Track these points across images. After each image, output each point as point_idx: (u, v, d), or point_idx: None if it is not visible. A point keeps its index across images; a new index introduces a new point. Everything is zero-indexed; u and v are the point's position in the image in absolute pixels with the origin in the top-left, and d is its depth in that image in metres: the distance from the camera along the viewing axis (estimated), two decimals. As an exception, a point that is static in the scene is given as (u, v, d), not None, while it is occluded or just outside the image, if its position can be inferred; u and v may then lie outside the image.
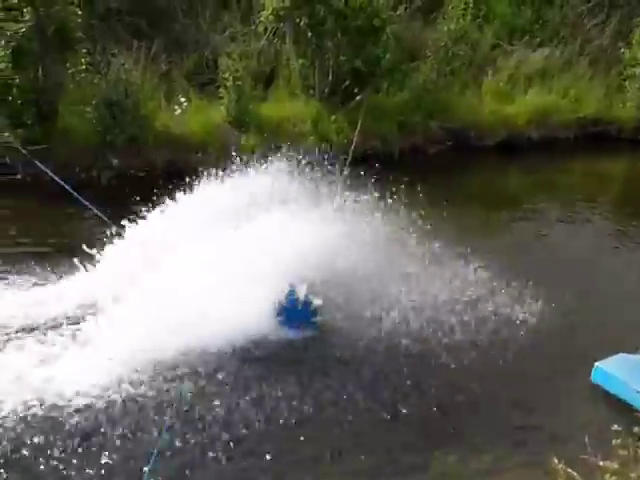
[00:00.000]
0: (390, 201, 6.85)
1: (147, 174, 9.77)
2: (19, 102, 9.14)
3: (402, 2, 13.09)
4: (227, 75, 10.71)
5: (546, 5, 14.49)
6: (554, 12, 14.38)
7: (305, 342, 5.86)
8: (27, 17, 9.15)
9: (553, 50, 13.63)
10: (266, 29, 12.10)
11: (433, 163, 11.31)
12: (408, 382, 5.50)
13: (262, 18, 11.51)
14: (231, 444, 4.69)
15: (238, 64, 10.96)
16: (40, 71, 9.34)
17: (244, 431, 4.82)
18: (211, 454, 4.61)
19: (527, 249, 8.37)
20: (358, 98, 11.33)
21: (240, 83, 10.76)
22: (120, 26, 11.53)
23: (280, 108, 11.17)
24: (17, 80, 9.13)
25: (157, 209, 6.76)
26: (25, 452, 4.49)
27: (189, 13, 12.58)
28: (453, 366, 5.74)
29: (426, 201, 7.47)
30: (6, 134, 8.99)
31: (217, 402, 5.05)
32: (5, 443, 4.51)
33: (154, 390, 5.10)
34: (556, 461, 4.19)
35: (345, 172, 7.51)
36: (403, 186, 7.27)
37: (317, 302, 6.04)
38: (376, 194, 6.93)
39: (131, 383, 5.11)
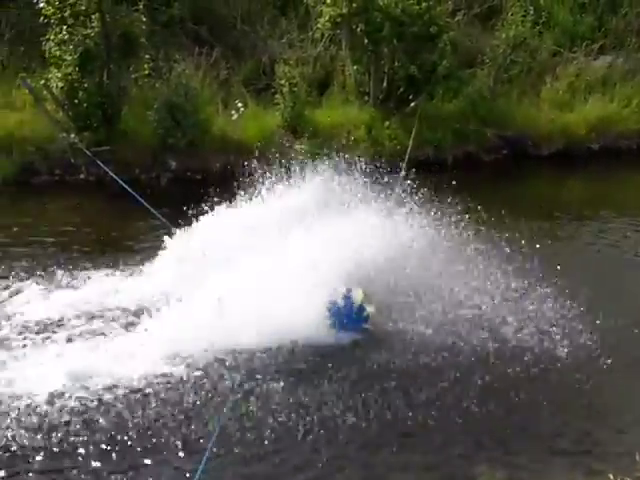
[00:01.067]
0: (443, 209, 6.77)
1: (203, 177, 9.99)
2: (85, 105, 9.47)
3: (460, 9, 12.95)
4: (283, 81, 10.84)
5: (609, 12, 14.06)
6: (617, 19, 13.94)
7: (355, 347, 5.84)
8: (95, 23, 9.49)
9: (615, 58, 13.21)
10: (323, 36, 12.20)
11: (488, 172, 11.13)
12: (458, 394, 5.39)
13: (319, 25, 11.61)
14: (267, 443, 4.73)
15: (294, 70, 11.08)
16: (105, 76, 9.66)
17: (282, 429, 4.84)
18: (253, 454, 4.64)
19: (586, 262, 8.09)
20: (412, 104, 11.27)
21: (296, 89, 10.87)
22: (182, 33, 11.83)
23: (334, 114, 11.21)
24: (84, 84, 9.46)
25: (212, 211, 6.86)
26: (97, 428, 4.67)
27: (248, 20, 12.81)
28: (508, 378, 5.59)
29: (481, 211, 7.32)
30: (72, 136, 9.35)
31: (264, 401, 5.07)
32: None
33: (209, 382, 5.19)
34: (611, 477, 4.05)
35: (399, 178, 7.45)
36: (456, 194, 7.15)
37: (370, 309, 6.02)
38: (429, 202, 6.86)
39: (188, 375, 5.21)
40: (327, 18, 11.11)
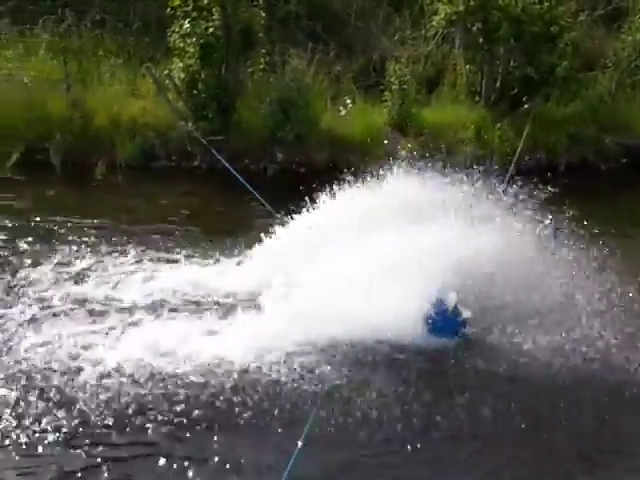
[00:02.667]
0: (554, 216, 6.46)
1: (308, 170, 10.13)
2: (203, 96, 9.86)
3: (583, 9, 12.28)
4: (393, 79, 10.77)
5: None
6: None
7: (448, 354, 5.68)
8: (216, 17, 9.85)
9: None
10: (436, 34, 12.00)
11: (605, 180, 10.49)
12: (552, 408, 5.13)
13: (434, 23, 11.42)
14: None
15: (405, 68, 10.97)
16: (223, 68, 10.00)
17: (370, 432, 4.81)
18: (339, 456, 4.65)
19: None
20: (526, 106, 10.84)
21: (405, 87, 10.77)
22: (297, 29, 12.04)
23: (443, 113, 11.01)
24: (203, 76, 9.86)
25: (315, 204, 6.94)
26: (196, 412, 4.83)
27: (362, 17, 12.83)
28: (614, 400, 5.27)
29: (594, 221, 6.93)
30: (190, 124, 9.78)
31: (354, 401, 5.06)
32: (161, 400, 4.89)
33: (304, 370, 5.26)
34: None
35: (507, 182, 7.19)
36: (568, 202, 6.81)
37: (466, 313, 5.86)
38: (539, 207, 6.57)
39: (280, 362, 5.31)
40: (442, 16, 10.91)
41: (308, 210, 6.88)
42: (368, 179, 7.11)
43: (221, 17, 9.86)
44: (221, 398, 4.92)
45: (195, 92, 9.88)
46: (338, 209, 6.83)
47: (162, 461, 4.38)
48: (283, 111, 9.93)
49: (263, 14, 10.31)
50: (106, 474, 4.28)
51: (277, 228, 6.93)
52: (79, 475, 4.26)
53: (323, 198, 6.92)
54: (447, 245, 5.76)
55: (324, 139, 10.43)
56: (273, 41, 11.03)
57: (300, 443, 4.27)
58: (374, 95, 11.27)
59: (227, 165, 8.49)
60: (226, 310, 5.97)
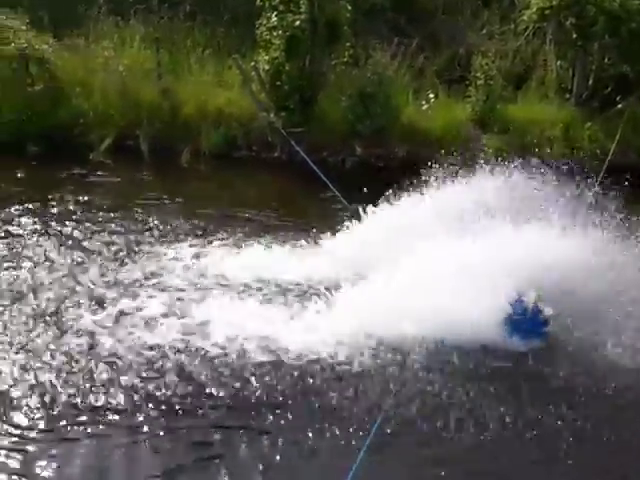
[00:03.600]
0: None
1: (386, 164, 10.03)
2: (286, 88, 9.95)
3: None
4: (479, 73, 10.45)
5: None
6: None
7: (529, 355, 5.45)
8: (303, 9, 9.88)
9: None
10: (526, 28, 11.53)
11: None
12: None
13: (524, 17, 10.98)
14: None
15: (492, 63, 10.62)
16: (307, 61, 10.03)
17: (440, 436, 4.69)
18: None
19: None
20: (620, 106, 10.24)
21: (491, 82, 10.43)
22: (382, 22, 11.90)
23: (529, 110, 10.59)
24: (287, 68, 9.93)
25: (394, 198, 6.84)
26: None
27: (449, 11, 12.52)
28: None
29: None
30: (271, 116, 9.89)
31: (424, 402, 4.94)
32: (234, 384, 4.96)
33: (375, 365, 5.20)
34: None
35: (597, 184, 6.82)
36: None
37: (548, 311, 5.58)
38: (628, 212, 6.20)
39: (353, 356, 5.26)
40: (535, 10, 10.46)
41: (387, 204, 6.81)
42: (447, 175, 6.95)
43: (308, 10, 9.90)
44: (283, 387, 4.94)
45: (278, 84, 9.97)
46: (419, 204, 6.71)
47: (243, 444, 4.41)
48: (364, 104, 9.86)
49: (349, 7, 10.24)
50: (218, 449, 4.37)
51: (354, 221, 6.89)
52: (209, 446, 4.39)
53: (403, 192, 6.82)
54: (536, 245, 5.54)
55: (404, 133, 10.28)
56: (357, 34, 10.94)
57: (366, 443, 4.19)
58: (457, 90, 10.99)
59: (305, 157, 8.53)
60: (299, 300, 5.98)
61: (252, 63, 10.19)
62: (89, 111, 9.88)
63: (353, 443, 4.39)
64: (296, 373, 5.04)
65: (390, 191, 6.96)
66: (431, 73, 11.33)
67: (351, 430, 4.56)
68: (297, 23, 9.88)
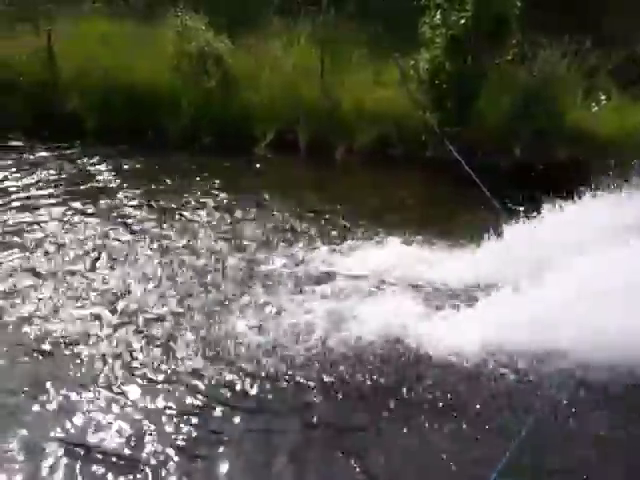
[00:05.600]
0: None
1: (546, 167, 9.34)
2: (444, 87, 9.63)
3: None
4: (661, 74, 9.32)
5: None
6: None
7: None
8: (468, 7, 9.47)
9: None
10: None
11: None
12: None
13: None
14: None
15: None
16: (469, 59, 9.62)
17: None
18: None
19: None
20: None
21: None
22: (553, 18, 11.06)
23: None
24: (447, 66, 9.60)
25: (552, 205, 6.32)
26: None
27: (627, 8, 11.30)
28: None
29: None
30: (428, 114, 9.64)
31: (571, 424, 4.49)
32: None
33: (519, 379, 4.86)
34: None
35: None
36: None
37: None
38: None
39: (497, 366, 4.96)
40: None
41: (544, 209, 6.31)
42: (613, 183, 6.27)
43: (474, 7, 9.47)
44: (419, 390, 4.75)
45: (436, 82, 9.68)
46: (580, 212, 6.14)
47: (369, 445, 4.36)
48: (526, 104, 9.25)
49: (518, 3, 9.62)
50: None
51: (506, 225, 6.47)
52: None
53: (562, 198, 6.28)
54: None
55: (568, 136, 9.50)
56: (524, 31, 10.26)
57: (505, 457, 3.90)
58: (634, 91, 9.91)
59: (458, 157, 8.18)
60: (444, 302, 5.76)
61: (412, 62, 10.00)
62: (256, 107, 10.34)
63: (487, 453, 4.11)
64: (436, 374, 4.87)
65: (548, 196, 6.44)
66: (605, 73, 10.32)
67: (486, 442, 4.28)
68: (461, 21, 9.52)
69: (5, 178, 8.40)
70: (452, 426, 4.45)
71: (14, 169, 8.69)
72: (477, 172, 7.79)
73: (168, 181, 8.65)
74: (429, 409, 4.57)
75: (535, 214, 6.38)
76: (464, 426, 4.46)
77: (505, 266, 5.81)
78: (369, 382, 4.82)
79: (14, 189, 8.02)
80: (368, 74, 10.59)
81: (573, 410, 4.61)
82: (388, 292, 5.88)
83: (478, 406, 4.63)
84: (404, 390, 4.75)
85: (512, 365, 4.94)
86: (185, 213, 7.63)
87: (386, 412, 4.56)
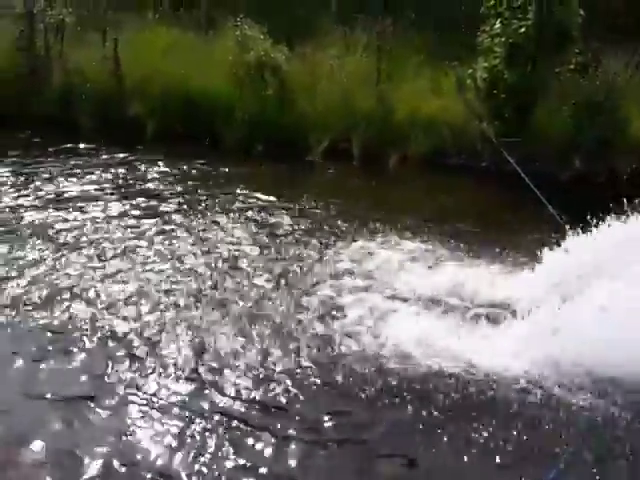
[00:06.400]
0: None
1: (608, 180, 8.98)
2: (502, 96, 9.41)
3: None
4: None
5: None
6: None
7: None
8: (530, 15, 9.23)
9: None
10: None
11: None
12: None
13: None
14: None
15: None
16: (529, 69, 9.36)
17: None
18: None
19: None
20: None
21: None
22: (615, 26, 10.65)
23: None
24: (506, 76, 9.38)
25: (617, 219, 6.00)
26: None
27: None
28: None
29: None
30: (484, 124, 9.42)
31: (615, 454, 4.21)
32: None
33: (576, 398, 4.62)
34: None
35: None
36: None
37: None
38: None
39: (544, 385, 4.72)
40: None
41: (605, 223, 6.00)
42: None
43: (535, 15, 9.23)
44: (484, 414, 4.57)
45: (495, 92, 9.47)
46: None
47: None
48: (588, 114, 8.92)
49: (581, 11, 9.31)
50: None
51: (567, 240, 6.19)
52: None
53: (625, 212, 5.94)
54: None
55: (632, 147, 9.10)
56: (586, 39, 9.92)
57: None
58: None
59: (516, 167, 7.92)
60: (496, 318, 5.54)
61: (469, 70, 9.81)
62: (310, 115, 10.37)
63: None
64: (489, 393, 4.65)
65: (610, 209, 6.13)
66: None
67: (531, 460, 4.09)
68: (522, 30, 9.29)
69: (70, 177, 8.74)
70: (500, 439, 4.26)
71: (79, 170, 9.04)
72: (535, 183, 7.53)
73: (222, 185, 8.76)
74: (496, 428, 4.37)
75: (597, 228, 6.07)
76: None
77: (565, 281, 5.55)
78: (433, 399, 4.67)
79: (78, 188, 8.32)
80: (424, 83, 10.47)
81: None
82: (443, 309, 5.72)
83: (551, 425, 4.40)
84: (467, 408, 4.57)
85: (580, 385, 4.70)
86: (238, 217, 7.68)
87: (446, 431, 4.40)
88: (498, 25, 9.48)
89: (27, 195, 8.08)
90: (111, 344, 5.04)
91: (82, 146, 10.15)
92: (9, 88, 10.88)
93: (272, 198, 8.34)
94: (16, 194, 8.10)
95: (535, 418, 4.45)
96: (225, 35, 11.12)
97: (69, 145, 10.14)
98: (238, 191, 8.59)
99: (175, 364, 4.83)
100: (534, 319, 5.21)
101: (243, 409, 4.45)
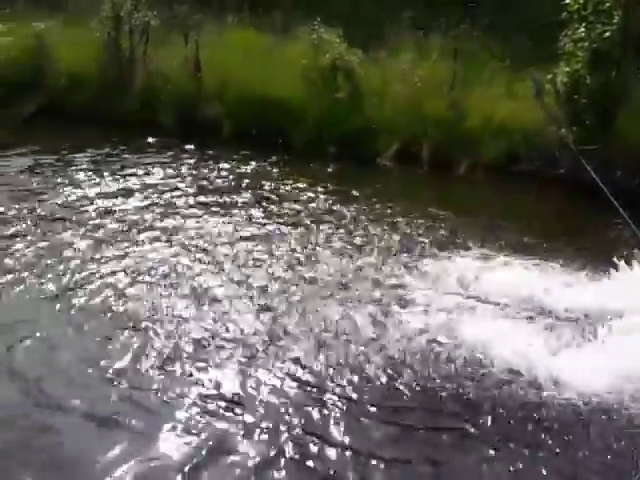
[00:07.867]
0: None
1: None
2: (583, 102, 8.94)
3: None
4: None
5: None
6: None
7: None
8: (615, 20, 8.73)
9: None
10: None
11: None
12: None
13: None
14: None
15: None
16: (613, 74, 8.86)
17: None
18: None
19: None
20: None
21: None
22: None
23: None
24: (588, 81, 8.91)
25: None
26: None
27: None
28: None
29: None
30: (562, 130, 8.98)
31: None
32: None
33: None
34: None
35: None
36: None
37: None
38: None
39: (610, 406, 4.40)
40: None
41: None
42: None
43: (621, 20, 8.71)
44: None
45: (575, 97, 9.00)
46: None
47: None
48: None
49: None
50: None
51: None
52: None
53: None
54: None
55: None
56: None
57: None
58: None
59: (595, 176, 7.48)
60: (563, 331, 5.23)
61: (549, 76, 9.37)
62: (382, 119, 10.24)
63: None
64: (562, 410, 4.38)
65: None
66: None
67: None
68: (606, 34, 8.80)
69: (148, 175, 9.00)
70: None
71: (157, 168, 9.29)
72: (615, 193, 7.09)
73: (291, 186, 8.77)
74: (549, 447, 4.12)
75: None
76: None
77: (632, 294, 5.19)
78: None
79: (156, 186, 8.53)
80: (499, 87, 10.11)
81: None
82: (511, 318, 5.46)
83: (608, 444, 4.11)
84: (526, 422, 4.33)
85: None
86: (309, 218, 7.64)
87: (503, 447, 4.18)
88: (582, 29, 9.02)
89: (114, 185, 8.44)
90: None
91: (162, 145, 10.42)
92: (98, 88, 11.36)
93: (335, 200, 8.22)
94: (105, 184, 8.47)
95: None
96: (301, 38, 11.18)
97: (150, 140, 10.43)
98: (305, 192, 8.54)
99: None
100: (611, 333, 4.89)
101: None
